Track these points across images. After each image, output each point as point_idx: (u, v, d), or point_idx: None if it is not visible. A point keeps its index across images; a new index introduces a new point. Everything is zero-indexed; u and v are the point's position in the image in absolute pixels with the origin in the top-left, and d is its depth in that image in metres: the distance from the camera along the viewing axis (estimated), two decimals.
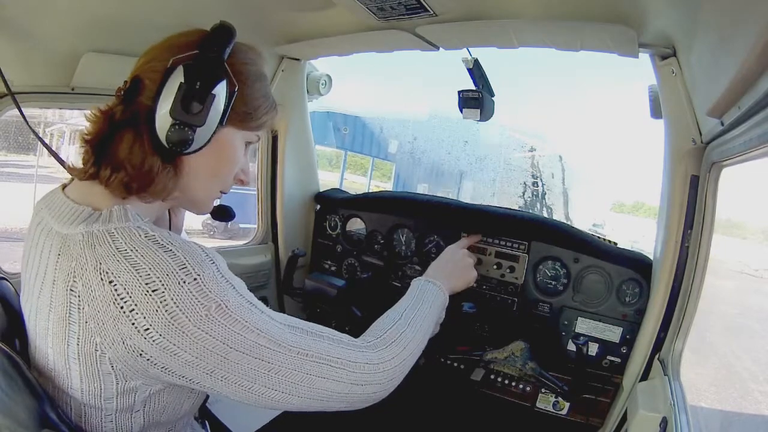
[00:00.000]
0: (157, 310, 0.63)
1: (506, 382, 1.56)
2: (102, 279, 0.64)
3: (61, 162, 0.88)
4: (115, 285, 0.64)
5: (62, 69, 1.18)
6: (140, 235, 0.67)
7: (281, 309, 1.96)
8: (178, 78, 0.70)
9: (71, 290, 0.66)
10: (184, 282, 0.64)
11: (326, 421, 1.19)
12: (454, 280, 1.18)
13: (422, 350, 0.96)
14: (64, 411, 0.70)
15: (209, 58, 0.72)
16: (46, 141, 1.21)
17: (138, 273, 0.64)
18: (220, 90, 0.72)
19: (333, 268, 1.94)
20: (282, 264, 1.90)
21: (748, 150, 0.84)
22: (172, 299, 0.64)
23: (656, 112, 1.27)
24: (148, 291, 0.63)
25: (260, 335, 0.70)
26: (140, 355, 0.65)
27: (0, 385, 0.65)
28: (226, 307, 0.67)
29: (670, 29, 1.03)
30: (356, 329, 1.84)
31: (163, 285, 0.64)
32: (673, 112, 1.17)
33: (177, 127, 0.70)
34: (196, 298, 0.65)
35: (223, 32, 0.74)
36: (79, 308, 0.65)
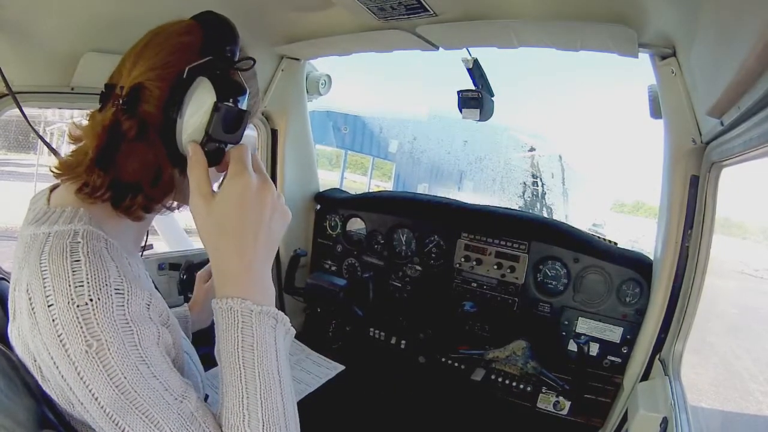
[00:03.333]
0: (50, 329, 0.57)
1: (507, 382, 1.56)
2: (24, 286, 0.60)
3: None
4: (30, 294, 0.59)
5: (62, 69, 1.17)
6: (66, 239, 0.61)
7: (281, 309, 1.96)
8: (204, 92, 0.66)
9: (15, 298, 0.63)
10: (74, 302, 0.56)
11: (326, 420, 1.19)
12: (264, 251, 0.68)
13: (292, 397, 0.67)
14: (63, 412, 0.70)
15: (230, 70, 0.69)
16: (46, 140, 1.21)
17: (44, 282, 0.58)
18: (244, 100, 0.70)
19: (333, 268, 1.94)
20: (282, 264, 1.90)
21: (748, 150, 0.84)
22: (61, 320, 0.56)
23: (656, 112, 1.27)
24: (45, 304, 0.57)
25: (139, 406, 0.58)
26: (53, 374, 0.60)
27: None
28: (108, 350, 0.56)
29: (670, 29, 1.03)
30: (357, 329, 1.86)
31: (56, 300, 0.57)
32: (673, 112, 1.17)
33: (212, 144, 0.67)
34: (81, 327, 0.56)
35: (228, 31, 0.71)
36: (19, 317, 0.62)
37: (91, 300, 0.57)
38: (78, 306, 0.56)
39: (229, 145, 0.70)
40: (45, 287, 0.58)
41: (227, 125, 0.67)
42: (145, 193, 0.68)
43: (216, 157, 0.69)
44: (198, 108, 0.66)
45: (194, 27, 0.71)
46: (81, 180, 0.68)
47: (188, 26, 0.72)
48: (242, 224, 0.65)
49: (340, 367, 1.49)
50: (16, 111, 1.09)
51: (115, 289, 0.59)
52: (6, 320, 0.77)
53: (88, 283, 0.57)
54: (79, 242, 0.61)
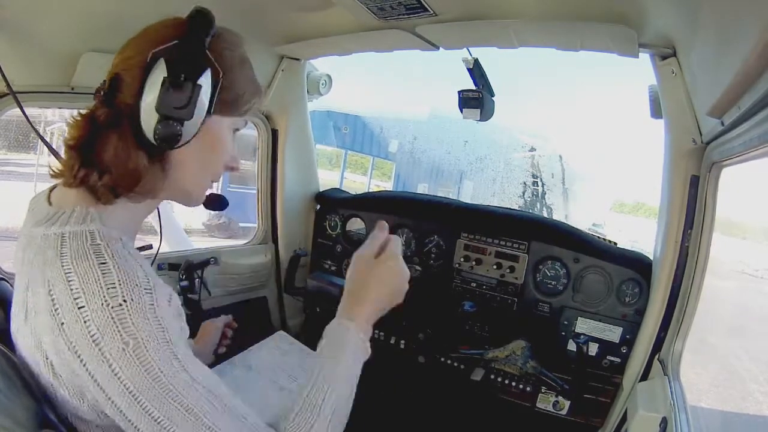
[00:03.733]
0: (81, 330, 0.59)
1: (506, 382, 1.56)
2: (44, 287, 0.61)
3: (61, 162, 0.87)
4: (52, 294, 0.60)
5: (62, 68, 1.18)
6: (85, 241, 0.63)
7: (281, 309, 1.96)
8: (160, 71, 0.67)
9: (29, 298, 0.64)
10: (108, 304, 0.59)
11: None
12: (379, 305, 0.85)
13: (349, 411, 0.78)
14: (68, 412, 0.70)
15: (191, 48, 0.69)
16: (46, 140, 1.21)
17: (70, 285, 0.60)
18: (205, 79, 0.69)
19: (333, 268, 1.94)
20: (282, 264, 1.90)
21: (748, 150, 0.84)
22: (93, 320, 0.59)
23: (656, 112, 1.27)
24: (74, 306, 0.59)
25: (176, 398, 0.61)
26: (74, 372, 0.62)
27: None
28: (145, 348, 0.60)
29: (670, 29, 1.03)
30: None
31: (87, 302, 0.59)
32: (674, 112, 1.17)
33: (164, 122, 0.67)
34: (116, 327, 0.59)
35: (202, 18, 0.71)
36: (35, 316, 0.63)
37: (125, 301, 0.59)
38: (112, 307, 0.59)
39: (185, 124, 0.69)
40: (72, 289, 0.59)
41: (176, 100, 0.67)
42: (113, 174, 0.68)
43: (171, 138, 0.68)
44: (152, 88, 0.67)
45: (182, 22, 0.72)
46: (64, 169, 0.69)
47: (176, 21, 0.73)
48: (386, 287, 0.86)
49: None
50: (16, 111, 1.09)
51: (145, 289, 0.61)
52: (6, 320, 0.77)
53: (120, 284, 0.60)
54: (100, 244, 0.63)
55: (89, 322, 0.59)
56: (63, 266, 0.61)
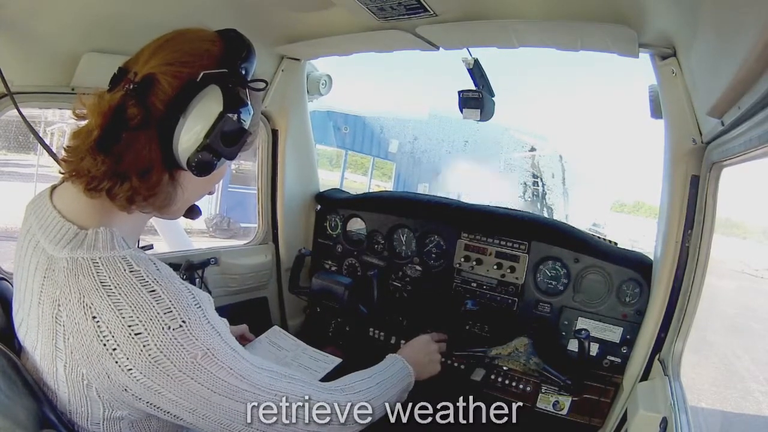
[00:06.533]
0: (140, 353, 0.63)
1: (506, 382, 1.56)
2: (85, 313, 0.63)
3: (60, 163, 0.86)
4: (98, 321, 0.63)
5: (62, 69, 1.17)
6: (124, 270, 0.65)
7: (282, 309, 1.96)
8: (214, 100, 0.68)
9: (56, 319, 0.65)
10: (169, 328, 0.64)
11: None
12: (421, 369, 1.19)
13: (381, 414, 0.97)
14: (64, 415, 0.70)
15: (238, 82, 0.71)
16: (47, 140, 1.21)
17: (121, 313, 0.63)
18: (248, 122, 0.73)
19: (333, 268, 1.94)
20: (282, 264, 1.90)
21: (748, 150, 0.84)
22: (156, 344, 0.63)
23: (656, 112, 1.27)
24: (130, 333, 0.63)
25: (243, 381, 0.71)
26: (125, 390, 0.65)
27: None
28: (213, 355, 0.67)
29: (670, 29, 1.03)
30: (359, 328, 1.85)
31: (146, 329, 0.63)
32: (674, 112, 1.17)
33: (204, 152, 0.68)
34: (182, 345, 0.64)
35: (246, 49, 0.74)
36: (64, 338, 0.65)
37: (184, 322, 0.65)
38: (173, 329, 0.64)
39: (222, 160, 0.71)
40: (123, 317, 0.63)
41: (227, 138, 0.69)
42: (132, 183, 0.68)
43: (205, 168, 0.70)
44: (203, 113, 0.67)
45: (217, 39, 0.74)
46: (84, 175, 0.67)
47: (212, 36, 0.74)
48: (422, 352, 1.24)
49: (337, 360, 1.48)
50: (17, 111, 1.09)
51: (195, 304, 0.67)
52: (6, 320, 0.77)
53: (174, 308, 0.65)
54: (139, 271, 0.65)
55: (150, 346, 0.63)
56: (109, 296, 0.63)
